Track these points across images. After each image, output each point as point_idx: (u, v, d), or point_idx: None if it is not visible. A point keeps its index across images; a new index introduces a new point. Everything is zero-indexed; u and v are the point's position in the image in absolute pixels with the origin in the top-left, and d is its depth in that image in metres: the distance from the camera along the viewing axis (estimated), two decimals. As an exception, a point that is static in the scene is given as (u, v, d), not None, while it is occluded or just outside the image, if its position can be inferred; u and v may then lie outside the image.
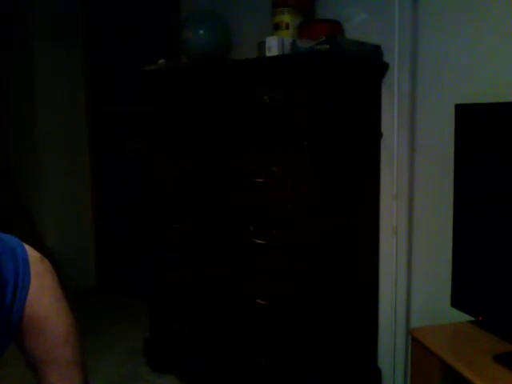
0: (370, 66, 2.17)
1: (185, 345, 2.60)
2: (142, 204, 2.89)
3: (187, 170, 2.48)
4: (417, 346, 1.69)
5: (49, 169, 3.73)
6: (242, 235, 2.21)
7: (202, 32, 2.60)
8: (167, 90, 2.57)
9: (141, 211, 2.98)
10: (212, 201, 2.37)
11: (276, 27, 2.28)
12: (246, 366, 2.27)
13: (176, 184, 2.55)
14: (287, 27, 2.25)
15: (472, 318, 1.72)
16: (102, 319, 3.40)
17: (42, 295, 0.79)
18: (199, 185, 2.43)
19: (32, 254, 0.82)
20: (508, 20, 1.76)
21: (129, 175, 3.74)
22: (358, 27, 2.23)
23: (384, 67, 2.15)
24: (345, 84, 2.09)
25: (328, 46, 1.95)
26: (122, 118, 3.80)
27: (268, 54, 2.12)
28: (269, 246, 2.10)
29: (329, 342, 2.15)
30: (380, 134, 2.20)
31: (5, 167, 3.90)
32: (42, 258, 0.83)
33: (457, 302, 1.73)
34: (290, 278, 2.06)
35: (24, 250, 0.80)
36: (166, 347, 2.73)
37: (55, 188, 3.76)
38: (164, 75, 2.61)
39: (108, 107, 3.86)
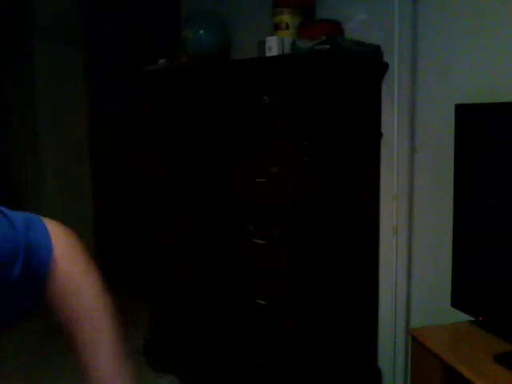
0: (369, 65, 2.17)
1: (185, 345, 2.61)
2: (142, 204, 2.89)
3: (187, 170, 2.48)
4: (417, 346, 1.69)
5: (49, 169, 3.73)
6: (242, 235, 2.21)
7: (202, 32, 2.60)
8: (167, 90, 2.57)
9: (141, 211, 2.98)
10: (212, 200, 2.37)
11: (276, 27, 2.28)
12: (247, 366, 2.27)
13: (176, 184, 2.55)
14: (287, 27, 2.25)
15: (472, 318, 1.72)
16: (101, 319, 3.40)
17: (74, 267, 0.82)
18: (199, 185, 2.43)
19: (56, 227, 0.84)
20: (508, 20, 1.76)
21: (129, 175, 3.74)
22: (358, 27, 2.23)
23: (384, 67, 2.15)
24: (345, 84, 2.09)
25: (328, 46, 1.95)
26: (122, 117, 3.80)
27: (268, 54, 2.13)
28: (269, 245, 2.10)
29: (329, 341, 2.14)
30: (380, 134, 2.20)
31: (5, 167, 3.90)
32: (69, 232, 0.85)
33: (457, 301, 1.73)
34: (290, 278, 2.06)
35: (39, 220, 0.83)
36: (166, 347, 2.73)
37: (55, 188, 3.76)
38: (164, 75, 2.61)
39: (108, 107, 3.86)
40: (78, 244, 0.85)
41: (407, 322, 2.20)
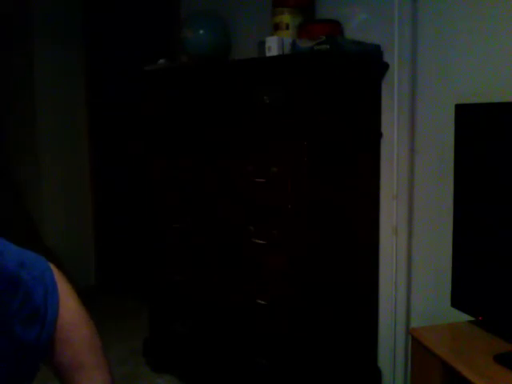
0: (370, 65, 2.17)
1: (185, 345, 2.60)
2: (142, 204, 2.89)
3: (187, 170, 2.47)
4: (417, 346, 1.69)
5: (49, 169, 3.73)
6: (242, 235, 2.21)
7: (202, 32, 2.60)
8: (167, 90, 2.57)
9: (141, 211, 2.98)
10: (212, 201, 2.37)
11: (276, 27, 2.28)
12: (247, 366, 2.27)
13: (176, 184, 2.55)
14: (287, 27, 2.25)
15: (472, 318, 1.72)
16: (101, 319, 3.38)
17: (67, 300, 0.81)
18: (199, 185, 2.43)
19: (52, 266, 0.84)
20: (508, 20, 1.76)
21: (129, 175, 3.74)
22: (358, 27, 2.23)
23: (384, 67, 2.15)
24: (345, 84, 2.09)
25: (328, 46, 1.95)
26: (122, 117, 3.80)
27: (268, 54, 2.13)
28: (269, 245, 2.10)
29: (329, 341, 2.14)
30: (380, 134, 2.20)
31: (5, 167, 3.90)
32: (55, 267, 0.85)
33: (457, 301, 1.73)
34: (290, 278, 2.06)
35: (51, 272, 0.82)
36: (166, 347, 2.73)
37: (55, 188, 3.76)
38: (164, 75, 2.61)
39: (108, 107, 3.86)
40: (67, 281, 0.84)
41: (407, 322, 2.20)
